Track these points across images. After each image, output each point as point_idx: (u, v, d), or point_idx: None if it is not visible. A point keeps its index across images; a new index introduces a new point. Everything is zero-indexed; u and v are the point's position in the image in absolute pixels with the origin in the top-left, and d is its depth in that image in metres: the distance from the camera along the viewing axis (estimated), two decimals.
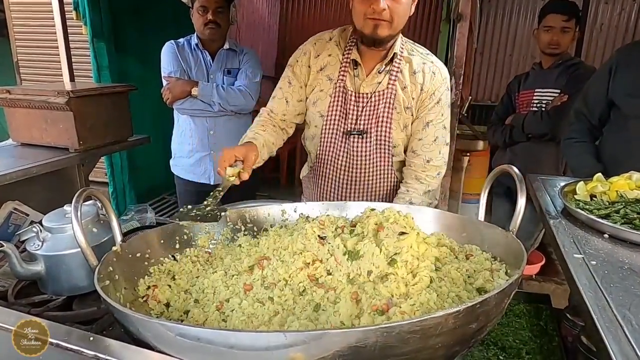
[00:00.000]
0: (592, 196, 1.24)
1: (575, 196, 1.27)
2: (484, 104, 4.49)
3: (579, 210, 1.13)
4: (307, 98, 1.60)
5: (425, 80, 1.46)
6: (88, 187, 1.05)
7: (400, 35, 1.48)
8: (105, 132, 2.22)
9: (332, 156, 1.58)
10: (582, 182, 1.30)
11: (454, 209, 3.29)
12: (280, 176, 5.01)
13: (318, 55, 1.54)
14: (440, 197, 2.11)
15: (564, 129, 2.09)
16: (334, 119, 1.53)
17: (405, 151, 1.57)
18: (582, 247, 0.98)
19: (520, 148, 2.55)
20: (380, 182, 1.60)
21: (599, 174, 1.32)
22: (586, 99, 1.94)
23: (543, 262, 3.00)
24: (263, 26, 4.44)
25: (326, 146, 1.58)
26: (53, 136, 2.08)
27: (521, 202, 1.04)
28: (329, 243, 1.06)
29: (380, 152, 1.53)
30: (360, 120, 1.51)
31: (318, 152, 1.62)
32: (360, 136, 1.51)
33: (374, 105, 1.49)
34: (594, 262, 0.91)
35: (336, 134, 1.54)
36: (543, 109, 2.46)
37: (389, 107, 1.48)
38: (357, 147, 1.53)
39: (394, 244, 0.98)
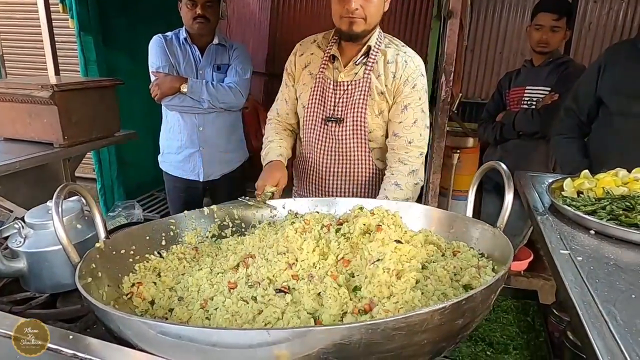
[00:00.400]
0: (579, 193, 1.25)
1: (562, 193, 1.27)
2: (474, 101, 4.48)
3: (565, 206, 1.13)
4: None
5: (398, 68, 1.54)
6: (70, 183, 1.03)
7: (379, 29, 1.58)
8: (91, 127, 2.18)
9: (312, 141, 1.67)
10: (569, 179, 1.31)
11: (444, 205, 3.30)
12: None
13: (302, 54, 1.69)
14: (430, 194, 2.11)
15: (554, 127, 2.11)
16: (313, 107, 1.63)
17: (382, 138, 1.62)
18: (568, 243, 0.99)
19: (511, 145, 2.56)
20: (359, 169, 1.66)
21: (586, 170, 1.33)
22: (576, 96, 1.96)
23: (531, 258, 3.01)
24: (254, 21, 4.40)
25: (307, 132, 1.67)
26: (37, 131, 2.04)
27: (508, 198, 1.04)
28: (315, 244, 1.04)
29: (356, 138, 1.60)
30: (338, 107, 1.60)
31: (302, 139, 1.73)
32: (337, 123, 1.60)
33: (350, 94, 1.58)
34: (580, 258, 0.91)
35: (315, 120, 1.64)
36: (534, 106, 2.47)
37: (364, 95, 1.56)
38: (335, 132, 1.61)
39: (378, 249, 0.96)
